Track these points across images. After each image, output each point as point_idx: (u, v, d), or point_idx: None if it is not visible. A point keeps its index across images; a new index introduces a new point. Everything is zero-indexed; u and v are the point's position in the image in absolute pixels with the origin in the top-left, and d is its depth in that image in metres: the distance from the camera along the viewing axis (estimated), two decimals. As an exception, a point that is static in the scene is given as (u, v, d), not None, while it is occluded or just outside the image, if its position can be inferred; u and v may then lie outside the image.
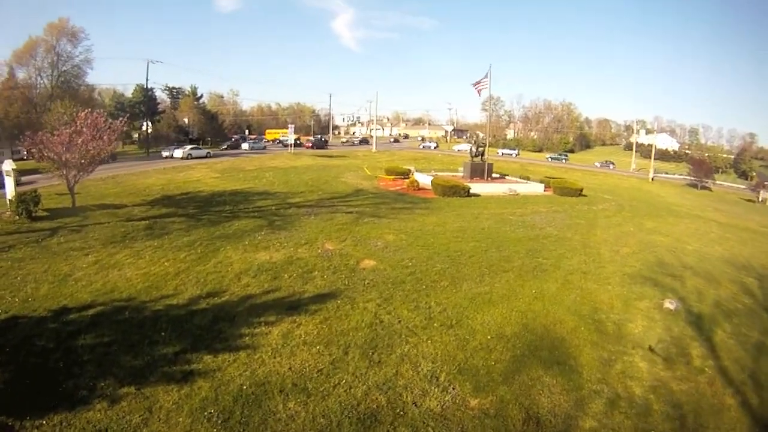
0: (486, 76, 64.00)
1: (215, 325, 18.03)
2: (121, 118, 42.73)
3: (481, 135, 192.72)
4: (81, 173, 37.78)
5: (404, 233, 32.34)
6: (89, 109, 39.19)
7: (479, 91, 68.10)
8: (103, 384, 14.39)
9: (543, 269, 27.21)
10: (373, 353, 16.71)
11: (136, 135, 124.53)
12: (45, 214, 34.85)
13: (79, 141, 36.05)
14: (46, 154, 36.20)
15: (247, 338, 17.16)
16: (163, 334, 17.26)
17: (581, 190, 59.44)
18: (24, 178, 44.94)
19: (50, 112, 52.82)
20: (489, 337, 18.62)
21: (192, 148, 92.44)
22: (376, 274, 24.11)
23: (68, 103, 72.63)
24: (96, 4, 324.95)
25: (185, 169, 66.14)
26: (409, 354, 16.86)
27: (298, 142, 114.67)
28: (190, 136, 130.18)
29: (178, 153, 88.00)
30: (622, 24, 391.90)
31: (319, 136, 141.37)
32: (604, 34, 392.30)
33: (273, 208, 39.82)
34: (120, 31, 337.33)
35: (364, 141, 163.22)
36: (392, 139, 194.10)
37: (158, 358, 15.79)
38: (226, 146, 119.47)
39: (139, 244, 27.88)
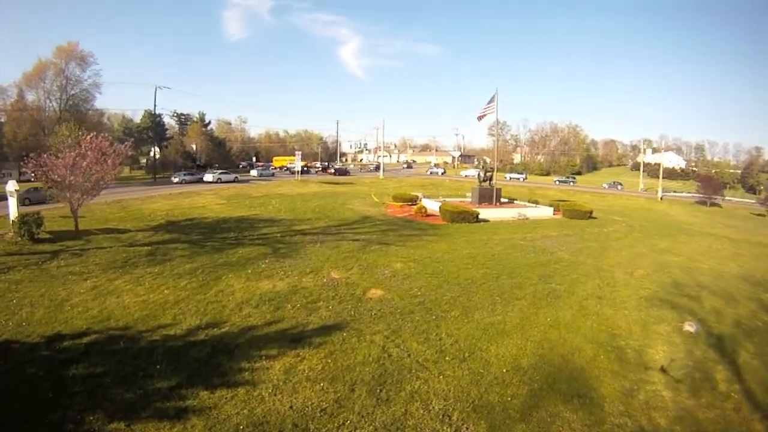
0: (492, 101, 62.99)
1: (213, 359, 17.06)
2: (126, 143, 42.26)
3: (488, 160, 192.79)
4: (85, 197, 37.48)
5: (413, 261, 31.36)
6: (94, 133, 38.78)
7: (480, 118, 66.93)
8: (91, 418, 13.48)
9: (557, 295, 26.21)
10: (380, 390, 15.63)
11: (144, 160, 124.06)
12: (48, 236, 34.47)
13: (84, 164, 35.82)
14: (50, 177, 35.94)
15: (246, 373, 16.15)
16: (158, 366, 16.31)
17: (591, 213, 58.73)
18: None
19: (55, 134, 52.41)
20: (504, 370, 17.55)
21: (221, 173, 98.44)
22: (384, 304, 23.09)
23: (73, 126, 72.26)
24: (108, 30, 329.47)
25: (191, 195, 65.81)
26: (419, 391, 15.78)
27: (305, 168, 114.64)
28: (198, 163, 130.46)
29: (208, 177, 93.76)
30: (624, 45, 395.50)
31: (340, 165, 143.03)
32: (607, 56, 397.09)
33: (278, 235, 38.99)
34: (131, 59, 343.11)
35: (377, 168, 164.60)
36: (405, 165, 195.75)
37: (152, 393, 14.82)
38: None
39: (140, 270, 27.15)
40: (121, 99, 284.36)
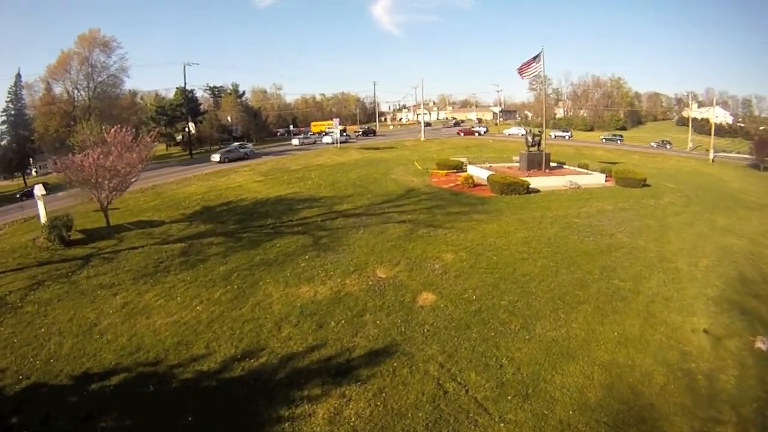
0: (536, 59, 59.47)
1: (250, 404, 15.23)
2: (151, 132, 40.45)
3: (530, 115, 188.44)
4: (114, 193, 35.87)
5: (464, 250, 29.16)
6: (117, 126, 37.07)
7: (523, 75, 63.08)
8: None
9: (622, 296, 23.92)
10: (436, 445, 13.55)
11: (180, 137, 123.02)
12: (79, 236, 33.50)
13: (108, 162, 34.13)
14: (74, 178, 34.50)
15: (286, 424, 14.24)
16: (190, 418, 14.54)
17: (645, 180, 55.22)
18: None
19: (76, 132, 51.32)
20: (570, 411, 15.41)
21: (304, 137, 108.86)
22: (437, 315, 20.98)
23: (94, 122, 71.01)
24: (137, 12, 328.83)
25: (228, 173, 64.10)
26: (477, 444, 13.68)
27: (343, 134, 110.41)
28: (234, 134, 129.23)
29: (295, 141, 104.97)
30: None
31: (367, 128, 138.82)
32: (651, 4, 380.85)
33: (318, 219, 37.11)
34: (162, 39, 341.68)
35: (457, 124, 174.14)
36: (453, 122, 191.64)
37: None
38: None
39: (172, 278, 25.66)
40: (158, 79, 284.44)
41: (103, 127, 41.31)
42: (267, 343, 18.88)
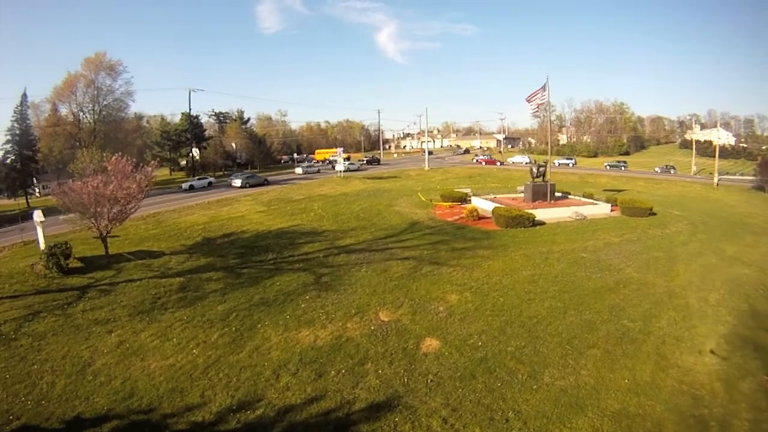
0: (543, 88, 59.27)
1: (245, 462, 14.41)
2: (152, 161, 39.91)
3: (533, 142, 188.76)
4: (112, 222, 35.54)
5: (469, 290, 28.49)
6: (118, 154, 36.81)
7: (531, 104, 63.06)
8: None
9: (632, 338, 23.14)
10: None
11: (184, 162, 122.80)
12: (78, 264, 33.62)
13: (108, 191, 33.88)
14: (72, 206, 34.18)
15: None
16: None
17: (651, 209, 54.55)
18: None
19: (76, 159, 51.08)
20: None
21: (308, 166, 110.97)
22: (441, 364, 20.18)
23: (94, 150, 70.91)
24: (146, 37, 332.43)
25: (230, 202, 63.92)
26: None
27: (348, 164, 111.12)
28: (238, 161, 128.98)
29: (299, 170, 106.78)
30: (668, 18, 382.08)
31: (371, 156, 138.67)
32: (651, 30, 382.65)
33: (320, 255, 36.47)
34: (170, 64, 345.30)
35: (467, 151, 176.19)
36: (461, 150, 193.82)
37: None
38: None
39: (168, 316, 25.21)
40: (165, 103, 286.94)
41: (104, 155, 41.00)
42: (264, 393, 18.12)
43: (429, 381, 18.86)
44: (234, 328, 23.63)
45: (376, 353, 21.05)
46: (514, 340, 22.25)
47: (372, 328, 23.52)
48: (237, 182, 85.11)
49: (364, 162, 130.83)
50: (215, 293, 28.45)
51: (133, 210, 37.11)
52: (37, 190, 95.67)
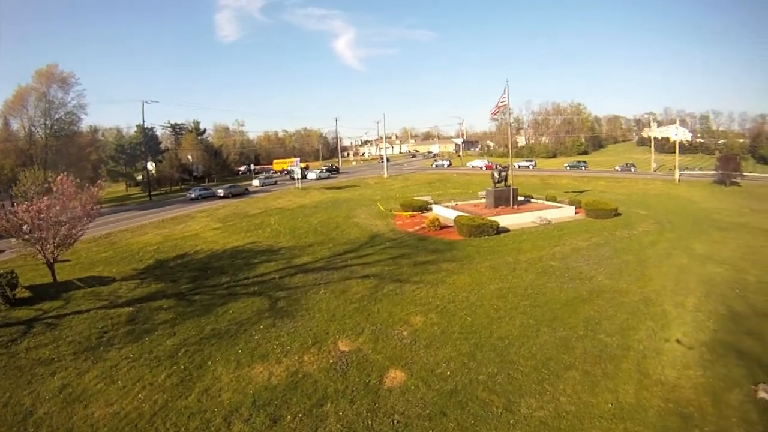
0: (504, 93, 58.32)
1: None
2: (99, 181, 37.97)
3: (492, 144, 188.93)
4: (59, 249, 33.84)
5: (434, 310, 26.85)
6: (63, 174, 34.73)
7: (495, 114, 63.11)
8: None
9: (611, 355, 21.84)
10: None
11: (140, 176, 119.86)
12: (26, 294, 32.02)
13: (51, 214, 32.34)
14: (14, 232, 32.83)
15: None
16: None
17: (616, 210, 54.23)
18: None
19: (18, 182, 48.92)
20: None
21: (265, 178, 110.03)
22: (407, 400, 18.34)
23: (36, 170, 68.46)
24: (98, 48, 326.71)
25: (185, 220, 61.79)
26: None
27: (304, 173, 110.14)
28: (195, 174, 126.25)
29: (256, 182, 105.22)
30: (621, 18, 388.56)
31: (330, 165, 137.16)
32: (605, 30, 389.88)
33: (276, 276, 34.62)
34: (125, 75, 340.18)
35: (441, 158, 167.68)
36: (410, 155, 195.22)
37: None
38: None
39: (115, 354, 23.23)
40: (121, 115, 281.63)
41: (50, 175, 39.24)
42: None
43: (395, 422, 16.97)
44: (183, 366, 21.70)
45: (335, 391, 19.15)
46: (485, 367, 20.61)
47: (331, 360, 21.66)
48: (220, 191, 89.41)
49: (324, 170, 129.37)
50: (165, 324, 26.56)
51: (80, 234, 35.47)
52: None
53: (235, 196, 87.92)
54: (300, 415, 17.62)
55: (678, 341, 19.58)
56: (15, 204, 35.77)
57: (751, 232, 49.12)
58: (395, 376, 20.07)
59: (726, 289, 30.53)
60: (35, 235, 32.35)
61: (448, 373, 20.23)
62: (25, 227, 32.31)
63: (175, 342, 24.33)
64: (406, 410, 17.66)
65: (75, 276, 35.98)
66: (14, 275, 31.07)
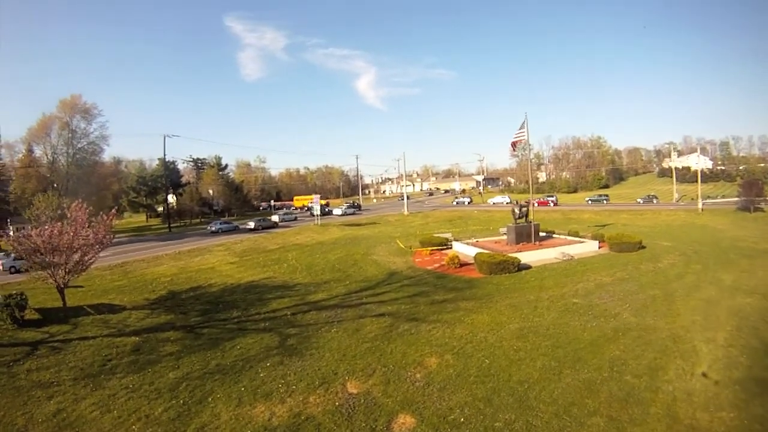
0: (522, 127, 57.64)
1: None
2: (113, 210, 37.47)
3: (513, 181, 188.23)
4: (69, 275, 33.82)
5: (450, 351, 25.37)
6: (78, 201, 35.42)
7: (514, 146, 62.27)
8: None
9: (638, 399, 19.96)
10: None
11: (161, 208, 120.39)
12: (35, 316, 32.83)
13: (63, 240, 32.38)
14: (26, 256, 33.22)
15: None
16: None
17: (640, 242, 52.67)
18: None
19: (32, 206, 48.70)
20: None
21: (285, 214, 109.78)
22: (417, 450, 16.73)
23: (51, 196, 68.49)
24: (126, 81, 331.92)
25: (202, 253, 61.82)
26: None
27: (327, 209, 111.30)
28: (215, 208, 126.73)
29: (275, 218, 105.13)
30: (638, 50, 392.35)
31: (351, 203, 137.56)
32: (622, 62, 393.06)
33: (289, 313, 33.64)
34: (150, 106, 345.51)
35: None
36: (427, 194, 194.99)
37: None
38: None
39: (115, 383, 22.74)
40: (145, 148, 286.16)
41: (65, 201, 39.44)
42: None
43: None
44: (182, 401, 20.70)
45: None
46: (502, 413, 18.98)
47: (337, 403, 20.25)
48: (251, 224, 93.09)
49: (349, 207, 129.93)
50: (170, 357, 25.81)
51: (91, 261, 35.17)
52: (11, 233, 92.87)
53: (265, 228, 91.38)
54: (300, 463, 16.19)
55: (704, 374, 18.57)
56: (30, 228, 35.61)
57: (783, 261, 47.35)
58: (404, 422, 18.58)
59: (758, 320, 28.89)
60: (47, 259, 32.30)
61: (462, 419, 18.67)
62: (38, 250, 32.26)
63: (178, 375, 23.52)
64: (414, 463, 16.08)
65: (86, 302, 36.05)
66: (24, 297, 31.62)
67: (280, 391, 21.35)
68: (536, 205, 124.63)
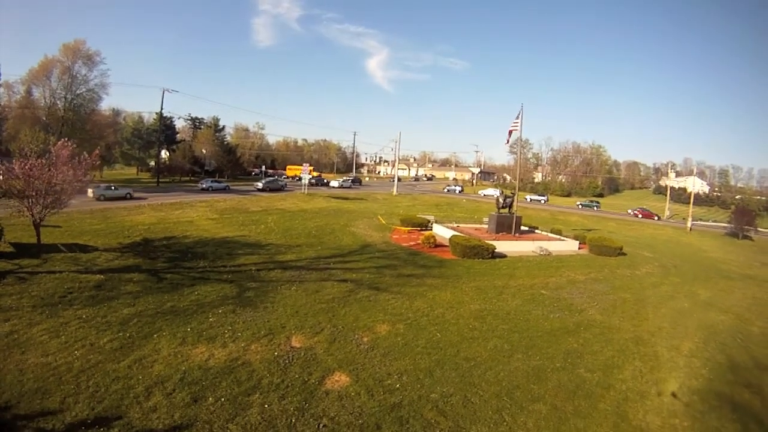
0: (518, 117, 57.57)
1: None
2: (95, 151, 37.30)
3: (508, 178, 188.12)
4: (46, 210, 33.71)
5: (403, 321, 25.21)
6: (64, 139, 35.44)
7: (510, 133, 62.31)
8: None
9: (587, 392, 19.65)
10: None
11: (153, 162, 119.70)
12: (9, 249, 33.07)
13: (44, 175, 32.39)
14: (6, 188, 33.40)
15: None
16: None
17: (621, 249, 52.91)
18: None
19: (19, 139, 48.17)
20: None
21: (269, 181, 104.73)
22: (343, 405, 16.48)
23: (38, 131, 68.01)
24: (131, 32, 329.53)
25: (183, 207, 61.54)
26: None
27: (324, 181, 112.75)
28: (206, 168, 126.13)
29: (259, 185, 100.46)
30: (651, 67, 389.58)
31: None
32: (633, 77, 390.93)
33: (254, 268, 33.44)
34: (162, 62, 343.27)
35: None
36: (426, 178, 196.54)
37: None
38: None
39: (70, 313, 22.72)
40: (147, 101, 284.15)
41: (51, 139, 39.19)
42: (127, 410, 14.71)
43: (320, 426, 15.06)
44: (129, 335, 20.61)
45: (269, 383, 17.49)
46: (441, 386, 18.63)
47: (276, 353, 20.03)
48: (259, 185, 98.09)
49: (348, 181, 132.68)
50: (128, 295, 25.74)
51: (68, 199, 35.00)
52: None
53: (273, 190, 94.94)
54: (223, 399, 15.97)
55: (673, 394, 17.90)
56: (13, 161, 35.69)
57: (761, 285, 47.96)
58: (338, 380, 18.28)
59: (727, 337, 28.97)
60: (25, 193, 32.24)
61: (398, 385, 18.35)
62: (17, 182, 32.36)
63: (131, 312, 23.41)
64: (337, 416, 15.75)
65: (61, 241, 35.90)
66: (0, 228, 32.02)
67: (225, 336, 21.18)
68: (580, 207, 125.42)
